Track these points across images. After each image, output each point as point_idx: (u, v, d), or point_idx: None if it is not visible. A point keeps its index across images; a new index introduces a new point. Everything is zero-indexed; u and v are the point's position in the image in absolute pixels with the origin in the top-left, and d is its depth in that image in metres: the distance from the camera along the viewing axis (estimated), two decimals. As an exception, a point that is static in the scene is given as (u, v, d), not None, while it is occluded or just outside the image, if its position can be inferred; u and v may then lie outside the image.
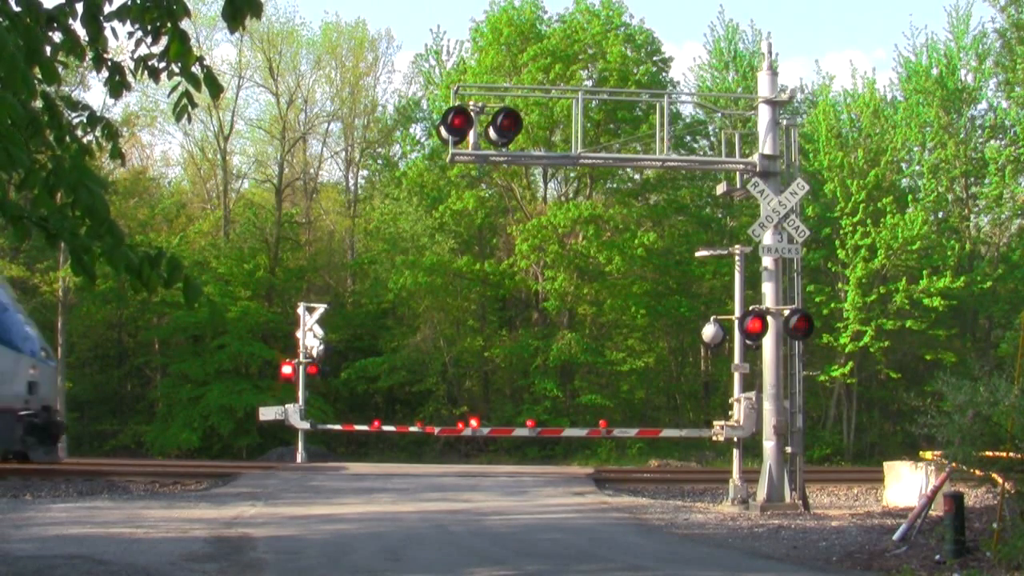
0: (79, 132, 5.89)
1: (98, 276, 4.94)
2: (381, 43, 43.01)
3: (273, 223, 39.00)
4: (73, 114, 5.96)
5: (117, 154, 6.22)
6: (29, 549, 11.08)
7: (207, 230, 38.99)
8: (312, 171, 42.69)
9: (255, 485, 18.30)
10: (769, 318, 16.05)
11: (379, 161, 43.56)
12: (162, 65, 5.84)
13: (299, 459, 25.51)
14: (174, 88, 5.91)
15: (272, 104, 40.79)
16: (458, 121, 15.42)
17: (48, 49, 5.32)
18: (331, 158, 43.55)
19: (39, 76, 4.87)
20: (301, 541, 12.05)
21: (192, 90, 5.83)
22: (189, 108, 5.99)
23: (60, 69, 5.56)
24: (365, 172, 44.07)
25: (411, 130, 41.44)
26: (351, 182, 43.32)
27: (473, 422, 20.61)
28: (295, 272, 38.99)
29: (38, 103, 5.44)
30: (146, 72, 5.93)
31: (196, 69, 5.69)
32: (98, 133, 6.07)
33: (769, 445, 16.23)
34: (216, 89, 5.74)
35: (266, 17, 38.26)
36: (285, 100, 39.99)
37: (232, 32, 5.62)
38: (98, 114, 6.17)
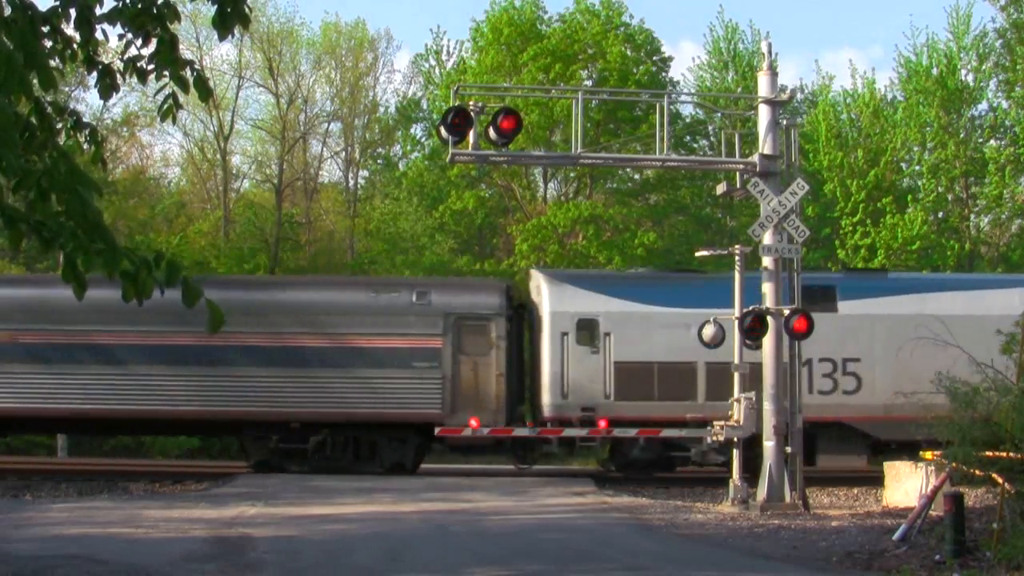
0: (63, 137, 5.89)
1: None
2: (381, 43, 42.88)
3: (273, 223, 38.92)
4: (60, 119, 5.95)
5: (98, 159, 6.21)
6: (29, 549, 11.07)
7: (207, 230, 38.89)
8: (312, 171, 42.65)
9: (255, 485, 18.27)
10: (769, 318, 16.05)
11: (379, 161, 43.53)
12: (150, 67, 5.88)
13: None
14: (160, 89, 5.94)
15: (272, 104, 40.74)
16: (458, 121, 15.40)
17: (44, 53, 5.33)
18: (331, 158, 43.50)
19: (36, 82, 4.88)
20: (301, 541, 12.03)
21: (179, 92, 5.88)
22: (175, 109, 6.03)
23: (60, 69, 5.58)
24: (365, 172, 44.06)
25: (411, 130, 41.43)
26: (351, 182, 43.28)
27: (473, 422, 20.53)
28: (295, 272, 38.88)
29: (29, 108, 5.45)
30: (135, 74, 5.96)
31: (186, 72, 5.73)
32: (82, 139, 6.07)
33: (769, 445, 16.22)
34: (205, 92, 5.78)
35: (266, 17, 38.25)
36: (285, 100, 39.94)
37: (221, 40, 5.74)
38: (85, 119, 6.18)
